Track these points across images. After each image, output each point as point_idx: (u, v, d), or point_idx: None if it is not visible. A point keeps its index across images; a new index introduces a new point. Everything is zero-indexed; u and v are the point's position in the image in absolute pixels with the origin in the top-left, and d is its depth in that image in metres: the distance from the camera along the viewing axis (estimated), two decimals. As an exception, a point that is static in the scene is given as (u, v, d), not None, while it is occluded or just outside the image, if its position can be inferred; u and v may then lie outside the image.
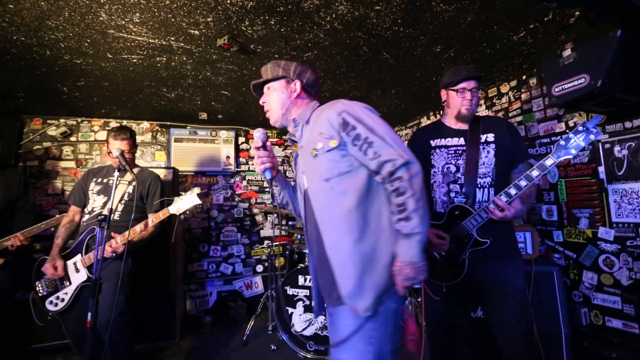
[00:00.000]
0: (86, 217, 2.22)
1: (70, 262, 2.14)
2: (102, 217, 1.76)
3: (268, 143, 1.39)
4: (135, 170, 2.32)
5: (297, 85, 1.37)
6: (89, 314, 1.65)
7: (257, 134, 1.37)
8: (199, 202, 2.08)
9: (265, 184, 4.30)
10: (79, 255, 2.13)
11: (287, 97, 1.37)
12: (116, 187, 1.90)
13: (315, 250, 1.27)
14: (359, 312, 1.13)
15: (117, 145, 2.21)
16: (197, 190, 2.08)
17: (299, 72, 1.37)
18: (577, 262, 2.51)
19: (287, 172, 4.58)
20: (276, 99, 1.37)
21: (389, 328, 1.16)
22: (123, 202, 2.23)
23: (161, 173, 3.29)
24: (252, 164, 4.36)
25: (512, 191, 1.57)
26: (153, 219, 2.10)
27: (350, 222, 1.16)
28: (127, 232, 2.03)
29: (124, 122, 3.87)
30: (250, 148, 4.36)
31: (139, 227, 2.08)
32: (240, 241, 4.24)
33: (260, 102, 1.42)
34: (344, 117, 1.19)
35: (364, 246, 1.15)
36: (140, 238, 2.17)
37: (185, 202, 2.07)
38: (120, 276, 1.99)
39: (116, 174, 1.90)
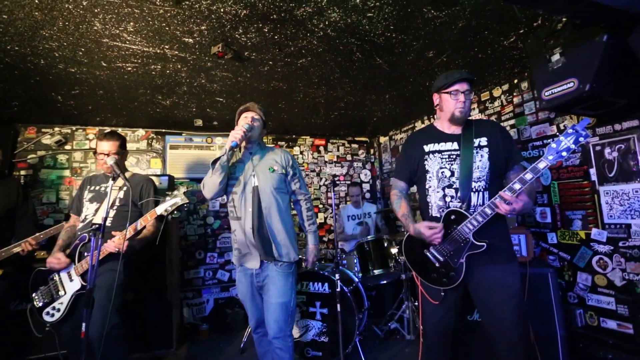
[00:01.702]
0: (80, 225, 2.21)
1: (63, 272, 2.13)
2: (97, 226, 1.75)
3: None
4: (127, 175, 2.32)
5: (265, 132, 2.25)
6: (83, 324, 1.63)
7: (247, 125, 1.98)
8: (185, 201, 2.08)
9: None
10: (72, 264, 2.11)
11: (262, 132, 2.18)
12: (110, 195, 1.88)
13: (258, 226, 1.98)
14: None
15: (104, 147, 2.20)
16: (182, 189, 2.11)
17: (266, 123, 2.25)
18: (572, 263, 2.53)
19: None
20: (259, 129, 2.13)
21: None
22: (115, 207, 2.21)
23: (155, 181, 3.28)
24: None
25: (517, 186, 1.58)
26: (141, 222, 2.08)
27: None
28: (125, 230, 2.01)
29: (119, 130, 3.86)
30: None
31: (132, 228, 2.07)
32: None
33: (250, 118, 2.10)
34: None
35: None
36: (143, 236, 2.17)
37: (170, 202, 2.07)
38: (110, 289, 1.95)
39: (111, 182, 1.88)
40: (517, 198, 1.57)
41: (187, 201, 2.10)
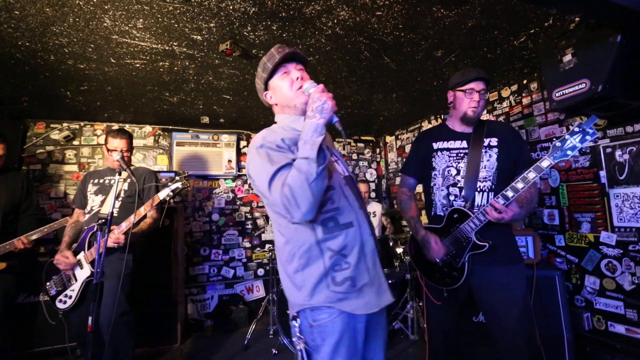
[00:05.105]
0: (87, 216, 2.29)
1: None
2: (103, 221, 1.78)
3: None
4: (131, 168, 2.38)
5: None
6: (90, 318, 1.65)
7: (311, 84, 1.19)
8: (186, 185, 2.15)
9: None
10: (82, 252, 2.17)
11: None
12: (118, 187, 1.93)
13: (372, 235, 1.25)
14: None
15: (116, 144, 2.31)
16: (182, 174, 2.16)
17: None
18: (579, 266, 2.50)
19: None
20: None
21: None
22: (120, 199, 2.29)
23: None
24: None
25: (509, 193, 1.56)
26: (145, 207, 2.14)
27: None
28: (123, 223, 2.10)
29: (127, 126, 3.89)
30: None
31: (132, 218, 2.10)
32: (241, 245, 4.24)
33: (299, 75, 1.23)
34: None
35: None
36: (140, 229, 2.23)
37: (172, 187, 2.15)
38: (120, 276, 2.01)
39: (117, 177, 1.92)
40: (507, 208, 1.56)
41: (188, 185, 2.17)
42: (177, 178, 2.16)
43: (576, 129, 1.49)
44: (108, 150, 2.32)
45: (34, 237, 2.33)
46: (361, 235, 1.19)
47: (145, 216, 2.23)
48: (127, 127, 3.90)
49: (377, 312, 1.19)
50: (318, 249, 1.15)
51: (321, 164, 1.04)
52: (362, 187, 3.98)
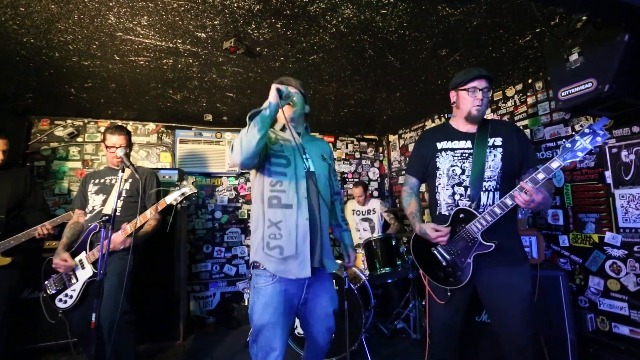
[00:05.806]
0: (88, 216, 2.29)
1: (75, 260, 2.18)
2: (107, 217, 1.77)
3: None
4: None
5: (307, 108, 1.79)
6: (93, 314, 1.66)
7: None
8: (194, 191, 2.14)
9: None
10: (84, 252, 2.16)
11: (303, 109, 1.76)
12: (120, 186, 1.91)
13: (308, 219, 1.58)
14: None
15: (115, 141, 2.29)
16: (191, 179, 2.15)
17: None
18: (583, 267, 2.49)
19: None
20: (301, 102, 1.72)
21: None
22: (122, 198, 2.29)
23: (164, 175, 3.31)
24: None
25: (540, 176, 1.52)
26: (151, 211, 2.13)
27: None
28: (128, 226, 2.10)
29: (130, 124, 3.91)
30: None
31: (137, 220, 2.11)
32: (244, 242, 4.25)
33: (294, 91, 1.64)
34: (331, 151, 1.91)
35: None
36: (145, 231, 2.24)
37: (180, 191, 2.13)
38: (121, 276, 2.01)
39: (120, 174, 1.91)
40: (538, 190, 1.51)
41: (195, 191, 2.16)
42: (185, 183, 2.15)
43: (586, 130, 1.47)
44: (107, 147, 2.31)
45: (56, 223, 2.40)
46: (297, 217, 1.54)
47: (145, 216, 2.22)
48: (130, 124, 3.91)
49: (319, 278, 1.63)
50: (262, 219, 1.58)
51: (254, 126, 1.46)
52: (357, 192, 3.97)
